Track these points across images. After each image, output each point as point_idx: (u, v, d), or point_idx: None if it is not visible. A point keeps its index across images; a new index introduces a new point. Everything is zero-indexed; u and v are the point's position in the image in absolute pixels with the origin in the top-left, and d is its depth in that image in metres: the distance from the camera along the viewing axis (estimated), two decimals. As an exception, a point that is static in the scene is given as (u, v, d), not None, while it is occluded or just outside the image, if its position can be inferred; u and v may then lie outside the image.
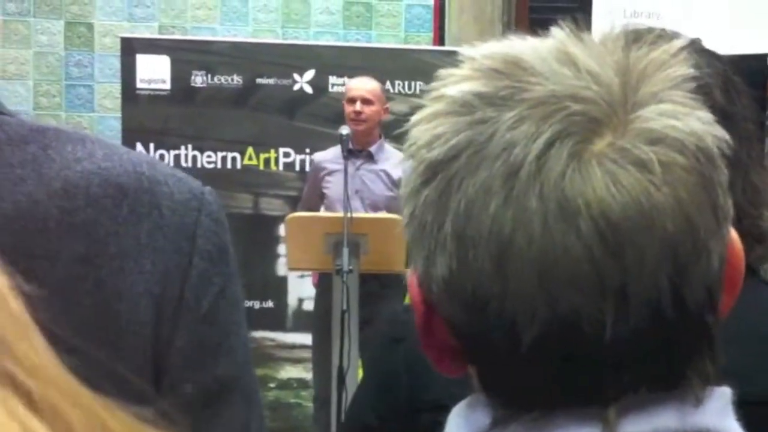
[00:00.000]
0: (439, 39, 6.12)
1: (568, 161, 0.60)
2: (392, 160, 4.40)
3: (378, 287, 4.18)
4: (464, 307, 0.63)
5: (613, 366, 0.62)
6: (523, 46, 0.65)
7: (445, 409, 0.68)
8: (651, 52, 0.64)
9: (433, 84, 0.66)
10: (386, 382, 1.12)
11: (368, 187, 4.37)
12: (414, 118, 0.66)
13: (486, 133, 0.61)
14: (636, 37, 0.66)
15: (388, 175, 4.42)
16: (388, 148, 4.49)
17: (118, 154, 0.80)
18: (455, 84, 0.65)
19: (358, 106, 4.37)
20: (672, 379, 0.64)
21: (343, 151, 4.17)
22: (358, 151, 4.37)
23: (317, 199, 4.50)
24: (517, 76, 0.63)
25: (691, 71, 0.65)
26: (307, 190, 4.61)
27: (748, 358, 0.87)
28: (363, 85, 4.48)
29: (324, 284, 4.38)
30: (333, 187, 4.40)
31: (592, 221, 0.59)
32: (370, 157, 4.43)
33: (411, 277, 0.68)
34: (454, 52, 0.68)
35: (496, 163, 0.61)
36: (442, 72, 0.67)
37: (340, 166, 4.31)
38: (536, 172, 0.60)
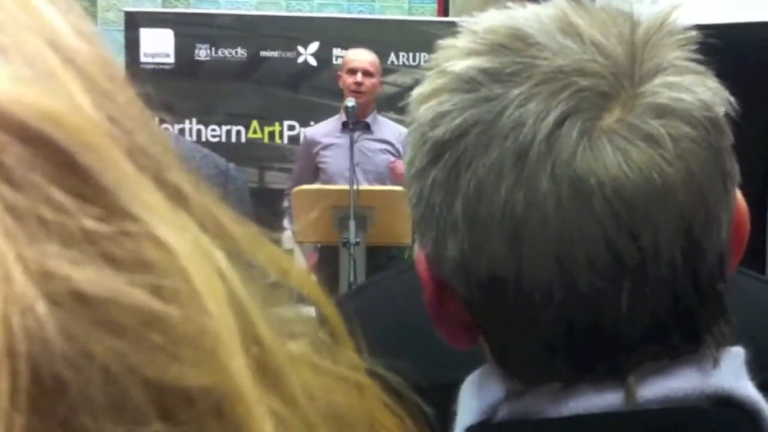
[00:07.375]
0: (444, 10, 6.08)
1: (578, 139, 0.59)
2: (389, 131, 4.39)
3: (385, 259, 4.17)
4: (479, 286, 0.63)
5: (632, 340, 0.62)
6: (525, 16, 0.64)
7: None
8: (651, 16, 0.64)
9: (434, 56, 0.65)
10: None
11: (370, 159, 4.32)
12: (414, 94, 0.65)
13: (494, 111, 0.60)
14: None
15: (391, 144, 4.40)
16: (381, 119, 4.47)
17: None
18: (458, 59, 0.63)
19: (359, 77, 4.34)
20: (690, 347, 0.64)
21: (348, 124, 4.16)
22: (354, 123, 4.26)
23: (310, 175, 4.43)
24: (523, 51, 0.61)
25: (690, 31, 0.64)
26: (299, 167, 4.53)
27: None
28: (364, 57, 4.45)
29: (324, 258, 4.33)
30: (332, 161, 4.35)
31: (605, 201, 0.58)
32: (367, 128, 4.38)
33: (419, 254, 0.67)
34: (458, 24, 0.67)
35: (505, 142, 0.60)
36: (441, 42, 0.65)
37: (337, 140, 4.29)
38: (546, 152, 0.59)
